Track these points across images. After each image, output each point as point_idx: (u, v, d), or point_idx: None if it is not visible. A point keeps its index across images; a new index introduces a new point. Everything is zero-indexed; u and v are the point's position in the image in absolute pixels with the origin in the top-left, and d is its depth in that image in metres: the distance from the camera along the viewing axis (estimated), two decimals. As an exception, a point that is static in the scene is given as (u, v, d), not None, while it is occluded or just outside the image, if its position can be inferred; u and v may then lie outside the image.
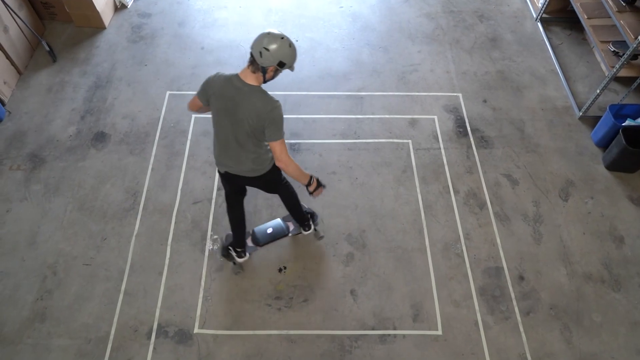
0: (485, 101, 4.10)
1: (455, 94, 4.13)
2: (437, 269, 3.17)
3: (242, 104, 2.32)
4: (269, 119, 2.31)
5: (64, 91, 4.05)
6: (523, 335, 2.93)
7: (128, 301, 2.99)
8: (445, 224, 3.37)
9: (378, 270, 3.15)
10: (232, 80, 2.35)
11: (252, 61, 2.28)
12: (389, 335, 2.91)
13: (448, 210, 3.43)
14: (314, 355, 2.83)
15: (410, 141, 3.80)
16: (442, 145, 3.78)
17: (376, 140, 3.80)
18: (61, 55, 4.32)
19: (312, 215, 3.27)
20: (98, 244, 3.21)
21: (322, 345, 2.86)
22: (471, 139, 3.83)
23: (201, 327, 2.90)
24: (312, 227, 3.23)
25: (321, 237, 3.29)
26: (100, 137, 3.76)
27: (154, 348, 2.82)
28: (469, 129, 3.90)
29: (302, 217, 3.15)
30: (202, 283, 3.07)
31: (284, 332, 2.90)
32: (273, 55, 2.24)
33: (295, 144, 3.76)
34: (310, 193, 2.70)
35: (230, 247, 3.05)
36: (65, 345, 2.81)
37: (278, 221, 3.26)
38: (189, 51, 4.39)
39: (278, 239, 3.20)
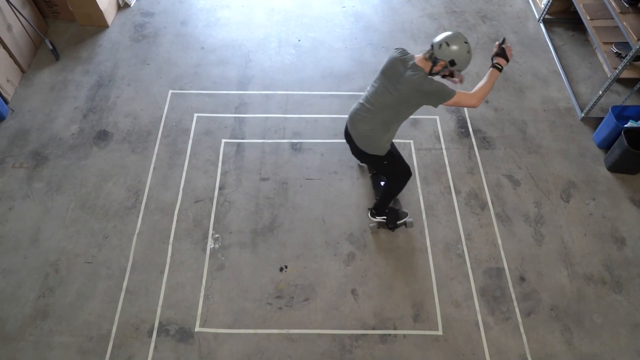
0: (487, 102, 4.09)
1: (457, 95, 4.13)
2: (438, 269, 3.17)
3: (404, 77, 2.57)
4: (425, 91, 2.53)
5: (66, 89, 4.07)
6: (524, 336, 2.93)
7: (129, 299, 3.00)
8: (447, 224, 3.37)
9: (379, 270, 3.16)
10: (407, 58, 2.63)
11: (430, 49, 2.56)
12: (390, 335, 2.91)
13: (449, 210, 3.44)
14: (315, 355, 2.83)
15: (412, 141, 3.80)
16: (443, 146, 3.79)
17: (378, 140, 3.80)
18: (64, 53, 4.33)
19: (389, 220, 3.25)
20: (100, 242, 3.23)
21: (323, 344, 2.87)
22: (473, 140, 3.83)
23: (202, 325, 2.91)
24: (375, 221, 3.28)
25: (378, 227, 3.32)
26: (102, 136, 3.78)
27: (155, 346, 2.83)
28: (470, 129, 3.90)
29: (380, 206, 3.22)
30: (204, 282, 3.08)
31: (284, 331, 2.91)
32: (450, 53, 2.50)
33: (297, 143, 3.76)
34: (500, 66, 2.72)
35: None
36: (67, 343, 2.83)
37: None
38: (192, 50, 4.40)
39: (374, 189, 3.45)
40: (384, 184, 3.27)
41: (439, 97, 2.56)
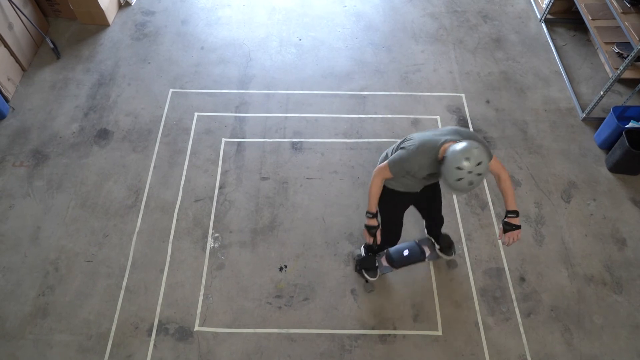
0: (488, 102, 4.09)
1: (458, 94, 4.13)
2: (438, 269, 3.16)
3: None
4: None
5: (67, 88, 4.07)
6: (523, 336, 2.92)
7: (129, 298, 3.00)
8: (447, 224, 3.34)
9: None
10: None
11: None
12: (389, 335, 2.91)
13: (449, 210, 3.43)
14: (314, 354, 2.83)
15: (412, 141, 3.79)
16: (444, 146, 3.77)
17: (378, 140, 3.79)
18: (65, 52, 4.33)
19: (363, 262, 3.06)
20: (100, 240, 3.23)
21: (322, 344, 2.87)
22: (474, 140, 3.82)
23: (202, 324, 2.91)
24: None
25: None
26: (103, 134, 3.78)
27: (155, 345, 2.83)
28: (471, 129, 3.89)
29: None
30: (203, 281, 3.08)
31: (284, 330, 2.90)
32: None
33: (298, 142, 3.76)
34: (365, 224, 2.55)
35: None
36: (67, 341, 2.83)
37: (413, 243, 3.16)
38: (192, 49, 4.40)
39: (413, 263, 3.11)
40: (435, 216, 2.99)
41: (393, 157, 2.39)
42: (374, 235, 2.54)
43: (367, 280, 3.06)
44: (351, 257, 3.19)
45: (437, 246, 3.15)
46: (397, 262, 3.09)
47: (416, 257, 3.12)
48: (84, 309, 2.95)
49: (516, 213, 2.42)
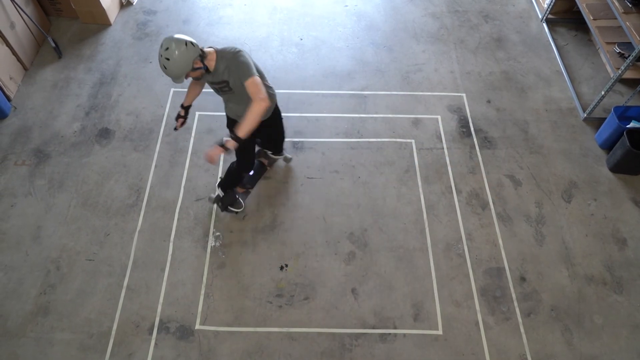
0: (489, 101, 4.09)
1: (459, 94, 4.13)
2: (439, 268, 3.17)
3: None
4: None
5: (69, 87, 4.08)
6: (524, 336, 2.93)
7: (130, 297, 3.01)
8: (447, 224, 3.37)
9: (379, 269, 3.16)
10: None
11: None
12: (390, 334, 2.91)
13: (450, 210, 3.43)
14: (315, 353, 2.84)
15: (413, 141, 3.80)
16: (445, 145, 3.78)
17: (379, 140, 3.80)
18: (66, 51, 4.34)
19: (223, 199, 3.30)
20: (101, 239, 3.24)
21: (323, 343, 2.87)
22: (474, 139, 3.82)
23: (202, 323, 2.92)
24: (215, 195, 3.36)
25: (211, 199, 3.39)
26: (104, 134, 3.78)
27: (156, 343, 2.84)
28: (472, 129, 3.89)
29: (225, 183, 3.27)
30: (204, 280, 3.08)
31: (284, 329, 2.91)
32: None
33: (299, 142, 3.76)
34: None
35: (229, 205, 3.32)
36: (68, 340, 2.84)
37: (256, 162, 3.46)
38: (194, 49, 4.40)
39: (260, 177, 3.51)
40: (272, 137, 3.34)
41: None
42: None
43: (236, 212, 3.34)
44: (210, 202, 3.39)
45: (269, 152, 3.51)
46: (249, 183, 3.45)
47: (260, 171, 3.52)
48: (85, 308, 2.96)
49: (237, 138, 2.60)
